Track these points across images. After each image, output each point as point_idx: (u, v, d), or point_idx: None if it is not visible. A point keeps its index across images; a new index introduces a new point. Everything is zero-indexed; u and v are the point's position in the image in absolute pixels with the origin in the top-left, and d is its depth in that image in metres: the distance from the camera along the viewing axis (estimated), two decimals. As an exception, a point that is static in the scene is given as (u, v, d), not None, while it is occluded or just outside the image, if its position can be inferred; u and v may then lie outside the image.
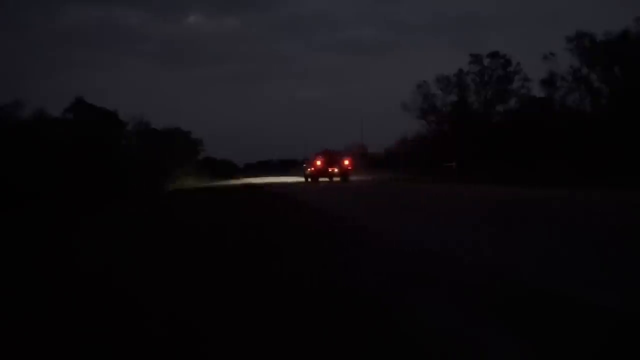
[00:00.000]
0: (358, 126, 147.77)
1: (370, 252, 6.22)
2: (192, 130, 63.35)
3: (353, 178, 36.31)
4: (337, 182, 33.50)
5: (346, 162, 35.24)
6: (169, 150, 48.13)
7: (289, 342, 3.10)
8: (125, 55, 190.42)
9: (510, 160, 34.21)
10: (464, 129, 46.21)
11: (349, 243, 6.77)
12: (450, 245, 6.56)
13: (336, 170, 34.72)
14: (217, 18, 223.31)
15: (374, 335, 3.36)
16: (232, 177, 79.14)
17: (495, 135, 39.93)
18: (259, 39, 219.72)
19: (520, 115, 41.65)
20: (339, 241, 7.02)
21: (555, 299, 4.15)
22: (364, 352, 3.03)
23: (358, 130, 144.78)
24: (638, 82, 32.65)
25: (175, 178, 46.85)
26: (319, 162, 34.69)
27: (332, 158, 35.20)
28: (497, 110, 48.58)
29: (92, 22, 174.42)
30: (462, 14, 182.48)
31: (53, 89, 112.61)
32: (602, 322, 3.66)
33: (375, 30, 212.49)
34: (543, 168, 29.79)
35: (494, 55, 49.11)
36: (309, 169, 35.90)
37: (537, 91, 43.57)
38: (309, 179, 35.23)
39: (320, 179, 34.55)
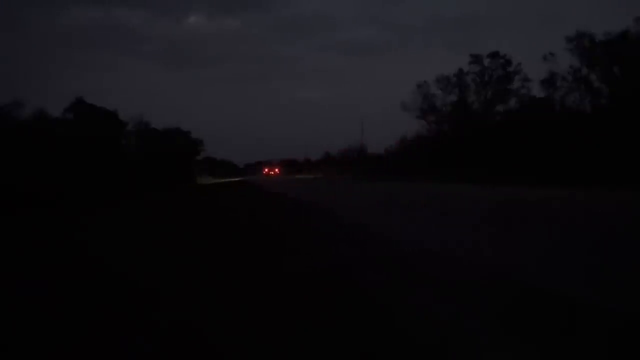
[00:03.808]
0: (358, 126, 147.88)
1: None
2: (192, 130, 63.23)
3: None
4: (275, 177, 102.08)
5: (276, 170, 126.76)
6: (171, 151, 48.13)
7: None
8: (126, 55, 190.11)
9: (509, 160, 34.23)
10: (464, 129, 46.13)
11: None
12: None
13: (272, 172, 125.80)
14: (217, 19, 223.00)
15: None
16: (231, 176, 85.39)
17: (495, 135, 39.89)
18: (259, 40, 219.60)
19: (520, 115, 41.55)
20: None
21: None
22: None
23: (358, 130, 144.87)
24: (638, 82, 32.58)
25: (182, 176, 48.29)
26: (266, 169, 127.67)
27: (271, 167, 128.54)
28: (497, 110, 48.56)
29: (93, 22, 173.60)
30: (462, 15, 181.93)
31: (53, 89, 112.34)
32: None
33: (375, 30, 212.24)
34: (543, 167, 29.76)
35: (494, 55, 49.00)
36: (262, 172, 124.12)
37: (537, 91, 43.48)
38: (263, 174, 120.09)
39: (267, 176, 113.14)
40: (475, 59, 49.48)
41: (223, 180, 68.96)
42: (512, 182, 26.22)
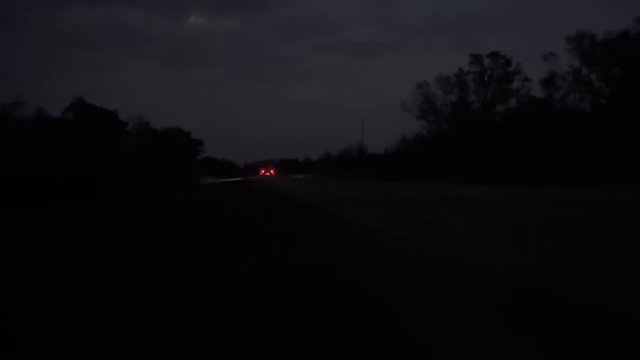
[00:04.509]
0: (358, 126, 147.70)
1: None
2: (192, 130, 63.12)
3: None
4: (273, 178, 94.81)
5: (272, 171, 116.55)
6: (171, 151, 48.09)
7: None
8: (126, 55, 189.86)
9: (509, 160, 34.23)
10: (464, 129, 46.11)
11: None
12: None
13: (268, 173, 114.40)
14: (217, 19, 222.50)
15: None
16: (231, 176, 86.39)
17: (495, 135, 39.87)
18: (259, 40, 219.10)
19: (520, 115, 41.50)
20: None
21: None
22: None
23: (358, 130, 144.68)
24: (638, 82, 32.56)
25: (182, 177, 48.50)
26: (262, 170, 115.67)
27: (267, 167, 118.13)
28: (497, 110, 48.51)
29: (93, 22, 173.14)
30: (462, 15, 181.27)
31: (53, 89, 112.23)
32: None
33: (375, 30, 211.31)
34: (543, 168, 29.76)
35: (494, 55, 48.96)
36: (260, 172, 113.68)
37: (537, 91, 43.46)
38: (259, 175, 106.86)
39: (262, 175, 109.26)
40: (475, 59, 49.42)
41: (223, 180, 69.47)
42: (512, 183, 26.22)
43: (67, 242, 8.89)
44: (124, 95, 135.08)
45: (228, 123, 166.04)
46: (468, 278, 4.92)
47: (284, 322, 3.70)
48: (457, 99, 50.64)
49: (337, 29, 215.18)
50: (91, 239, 9.25)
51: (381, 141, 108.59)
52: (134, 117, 45.53)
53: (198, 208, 17.72)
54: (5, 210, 16.46)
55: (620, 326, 3.45)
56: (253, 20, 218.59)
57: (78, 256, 7.14)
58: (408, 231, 8.83)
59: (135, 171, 35.87)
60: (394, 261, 5.98)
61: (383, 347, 3.19)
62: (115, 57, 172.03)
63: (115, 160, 34.94)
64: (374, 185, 33.10)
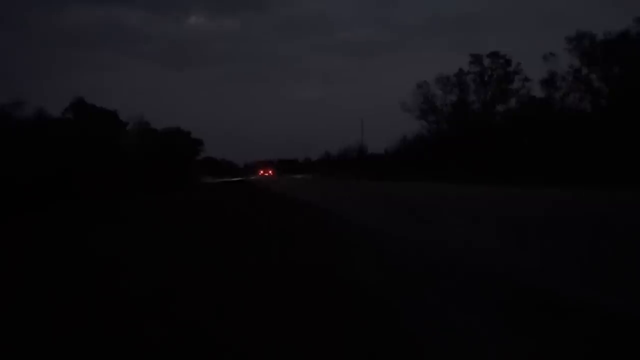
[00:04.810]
0: (358, 126, 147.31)
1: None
2: (192, 130, 63.15)
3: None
4: (272, 178, 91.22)
5: (270, 172, 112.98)
6: (171, 151, 48.11)
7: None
8: (126, 55, 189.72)
9: (509, 160, 34.23)
10: (464, 129, 46.12)
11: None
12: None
13: (267, 174, 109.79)
14: (217, 19, 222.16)
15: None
16: (231, 176, 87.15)
17: (495, 135, 39.85)
18: (259, 40, 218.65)
19: (520, 115, 41.48)
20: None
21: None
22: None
23: (358, 130, 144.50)
24: (638, 82, 32.55)
25: (182, 176, 48.52)
26: (262, 171, 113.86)
27: (265, 167, 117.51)
28: (497, 110, 48.51)
29: (93, 22, 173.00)
30: (462, 15, 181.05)
31: (53, 89, 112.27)
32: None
33: (375, 30, 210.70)
34: (542, 168, 29.75)
35: (494, 55, 48.94)
36: (258, 172, 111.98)
37: (537, 91, 43.46)
38: (258, 175, 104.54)
39: (261, 175, 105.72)
40: (475, 59, 49.38)
41: (223, 180, 69.67)
42: (512, 183, 26.21)
43: (65, 242, 8.89)
44: (124, 95, 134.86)
45: (228, 123, 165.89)
46: (468, 278, 4.91)
47: (283, 322, 3.70)
48: (457, 99, 50.62)
49: (336, 29, 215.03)
50: (90, 240, 9.25)
51: (381, 141, 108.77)
52: (134, 117, 45.58)
53: (198, 208, 17.73)
54: (4, 210, 16.45)
55: (620, 326, 3.45)
56: (252, 21, 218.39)
57: (74, 256, 7.13)
58: (408, 231, 8.82)
59: (135, 171, 35.86)
60: (394, 261, 5.98)
61: (383, 347, 3.19)
62: (115, 57, 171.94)
63: (115, 160, 34.92)
64: (374, 185, 33.10)
